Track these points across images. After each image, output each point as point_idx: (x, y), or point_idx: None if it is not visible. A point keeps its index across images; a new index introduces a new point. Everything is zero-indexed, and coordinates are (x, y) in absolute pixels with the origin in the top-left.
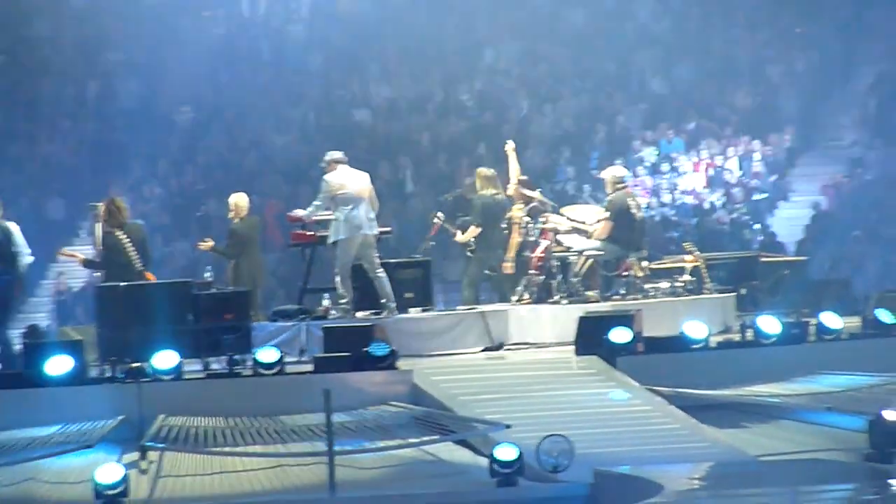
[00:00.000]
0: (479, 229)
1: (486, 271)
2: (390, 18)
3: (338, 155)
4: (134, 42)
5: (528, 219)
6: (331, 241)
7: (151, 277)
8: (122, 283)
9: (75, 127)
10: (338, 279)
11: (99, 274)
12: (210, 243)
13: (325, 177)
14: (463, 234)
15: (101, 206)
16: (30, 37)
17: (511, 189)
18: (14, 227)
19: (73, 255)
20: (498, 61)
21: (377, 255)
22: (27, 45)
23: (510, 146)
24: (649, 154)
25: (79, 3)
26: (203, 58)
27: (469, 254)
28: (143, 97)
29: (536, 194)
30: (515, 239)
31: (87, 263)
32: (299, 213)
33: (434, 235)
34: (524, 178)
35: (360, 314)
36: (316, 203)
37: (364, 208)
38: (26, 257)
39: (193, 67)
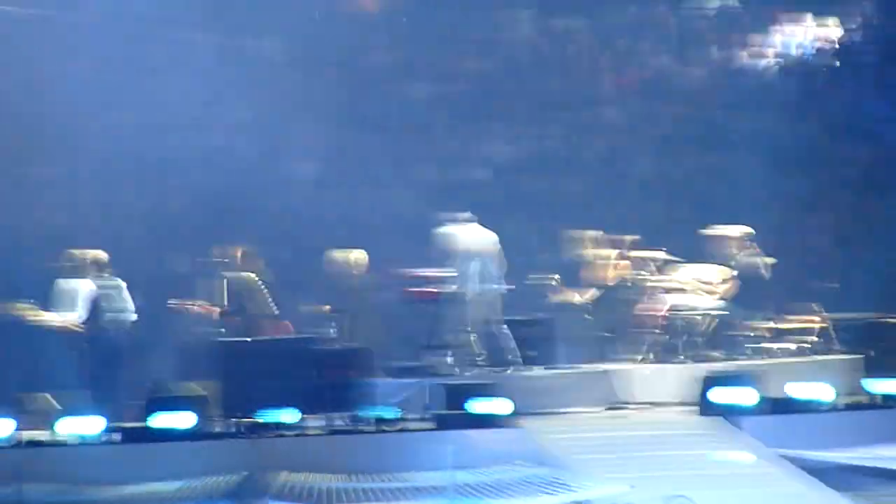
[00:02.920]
0: (599, 292)
1: (605, 333)
2: (513, 75)
3: (465, 215)
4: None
5: (649, 277)
6: (466, 298)
7: (289, 326)
8: (244, 338)
9: (189, 181)
10: (470, 336)
11: (224, 328)
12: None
13: (450, 232)
14: (581, 295)
15: (238, 251)
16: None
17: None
18: (123, 284)
19: (204, 310)
20: (619, 117)
21: (500, 311)
22: None
23: None
24: None
25: None
26: (323, 115)
27: (587, 316)
28: (262, 153)
29: (657, 253)
30: (630, 296)
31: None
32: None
33: (555, 295)
34: (636, 237)
35: (482, 371)
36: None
37: (491, 265)
38: (131, 314)
39: (313, 124)
